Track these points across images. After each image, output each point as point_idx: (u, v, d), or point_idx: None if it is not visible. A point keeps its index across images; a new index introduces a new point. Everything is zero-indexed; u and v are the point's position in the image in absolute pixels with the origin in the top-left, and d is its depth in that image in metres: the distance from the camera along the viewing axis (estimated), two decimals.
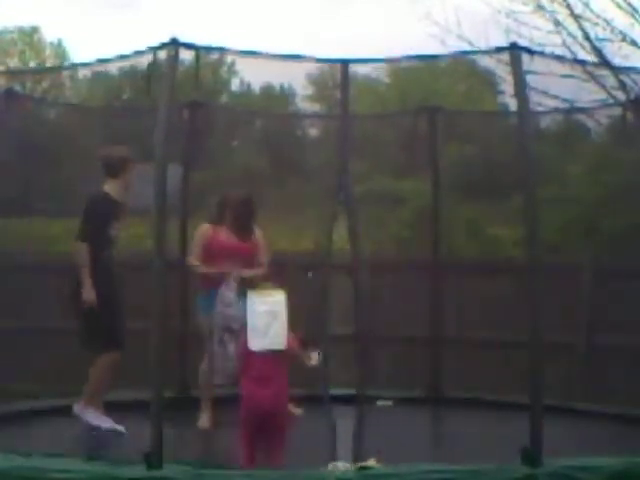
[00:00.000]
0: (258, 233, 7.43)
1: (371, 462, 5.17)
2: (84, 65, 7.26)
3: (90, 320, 6.65)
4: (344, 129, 7.20)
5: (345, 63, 7.00)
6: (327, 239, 7.62)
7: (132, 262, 7.56)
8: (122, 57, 6.05)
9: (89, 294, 6.62)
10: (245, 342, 5.40)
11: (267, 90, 32.25)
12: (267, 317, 5.32)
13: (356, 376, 7.50)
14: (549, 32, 13.38)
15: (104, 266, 6.73)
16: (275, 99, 31.89)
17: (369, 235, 8.95)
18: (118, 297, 6.85)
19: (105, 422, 6.72)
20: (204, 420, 7.22)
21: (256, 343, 5.29)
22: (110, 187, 6.85)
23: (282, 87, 32.28)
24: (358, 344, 7.50)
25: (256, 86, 31.51)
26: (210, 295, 7.09)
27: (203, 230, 7.41)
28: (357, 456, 5.49)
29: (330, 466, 5.13)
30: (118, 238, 6.94)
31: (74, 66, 19.75)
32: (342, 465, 5.13)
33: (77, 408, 6.80)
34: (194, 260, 7.31)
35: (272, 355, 5.32)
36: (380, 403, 7.94)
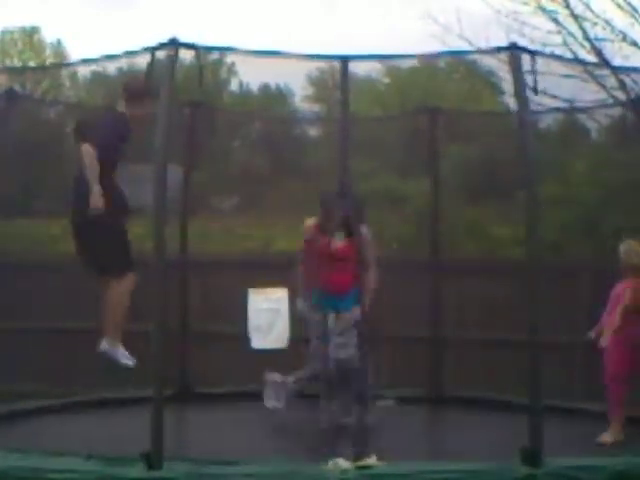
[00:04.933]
0: (365, 231, 7.09)
1: (371, 460, 5.17)
2: (84, 62, 7.19)
3: (105, 243, 6.35)
4: (344, 127, 7.18)
5: (344, 59, 6.98)
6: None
7: None
8: (122, 57, 6.04)
9: (97, 199, 6.21)
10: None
11: (266, 90, 32.27)
12: (269, 315, 5.31)
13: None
14: (549, 32, 13.39)
15: (113, 184, 6.43)
16: (275, 99, 31.89)
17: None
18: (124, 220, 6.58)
19: (129, 359, 6.48)
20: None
21: (258, 341, 5.29)
22: (127, 109, 6.51)
23: (282, 87, 32.29)
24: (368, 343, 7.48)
25: (256, 86, 31.53)
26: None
27: (306, 228, 7.26)
28: (357, 454, 5.49)
29: (330, 463, 5.13)
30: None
31: (74, 64, 19.74)
32: (342, 463, 5.13)
33: (105, 346, 6.50)
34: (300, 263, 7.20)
35: None
36: (381, 403, 7.93)
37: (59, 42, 38.44)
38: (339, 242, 6.88)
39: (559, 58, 7.96)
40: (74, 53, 36.46)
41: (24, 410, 7.41)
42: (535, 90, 5.70)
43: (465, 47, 12.81)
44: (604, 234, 11.42)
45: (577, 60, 11.58)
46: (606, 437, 6.62)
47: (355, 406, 6.42)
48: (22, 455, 5.32)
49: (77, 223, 6.49)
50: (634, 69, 11.65)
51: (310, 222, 7.24)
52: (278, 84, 32.50)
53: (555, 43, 13.24)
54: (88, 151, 6.22)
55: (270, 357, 6.50)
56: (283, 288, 5.53)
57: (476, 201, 14.16)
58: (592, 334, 7.09)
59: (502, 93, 14.70)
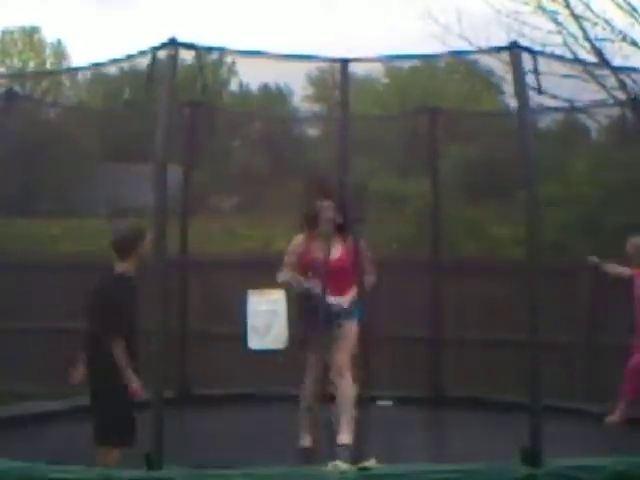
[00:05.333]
0: (362, 243, 6.63)
1: (371, 462, 5.16)
2: (84, 68, 7.19)
3: (109, 412, 5.82)
4: (344, 129, 7.18)
5: (345, 62, 6.99)
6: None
7: None
8: (122, 58, 6.04)
9: (138, 389, 5.73)
10: None
11: (266, 90, 32.29)
12: (267, 316, 5.30)
13: (359, 376, 7.50)
14: (550, 32, 13.40)
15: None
16: (275, 99, 31.91)
17: (371, 234, 8.94)
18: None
19: None
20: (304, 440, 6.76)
21: (256, 343, 5.29)
22: (123, 267, 6.11)
23: (282, 87, 32.32)
24: (362, 344, 7.48)
25: (256, 86, 31.55)
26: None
27: (296, 244, 6.79)
28: (357, 456, 5.49)
29: (330, 465, 5.12)
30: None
31: (75, 69, 19.80)
32: (342, 464, 5.13)
33: None
34: (285, 270, 6.65)
35: None
36: (380, 403, 7.94)
37: (59, 42, 38.49)
38: (335, 252, 6.53)
39: (559, 58, 7.95)
40: (74, 53, 36.56)
41: (24, 411, 7.41)
42: (539, 89, 5.70)
43: (465, 47, 12.82)
44: (604, 234, 11.43)
45: (577, 60, 11.57)
46: (612, 417, 6.68)
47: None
48: (22, 455, 5.31)
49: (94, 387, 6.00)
50: (634, 69, 11.64)
51: (298, 238, 6.83)
52: (278, 84, 32.55)
53: (555, 43, 13.27)
54: (118, 353, 5.78)
55: (269, 358, 6.51)
56: (281, 289, 5.50)
57: (476, 201, 14.16)
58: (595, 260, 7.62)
59: (502, 93, 14.72)
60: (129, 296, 5.90)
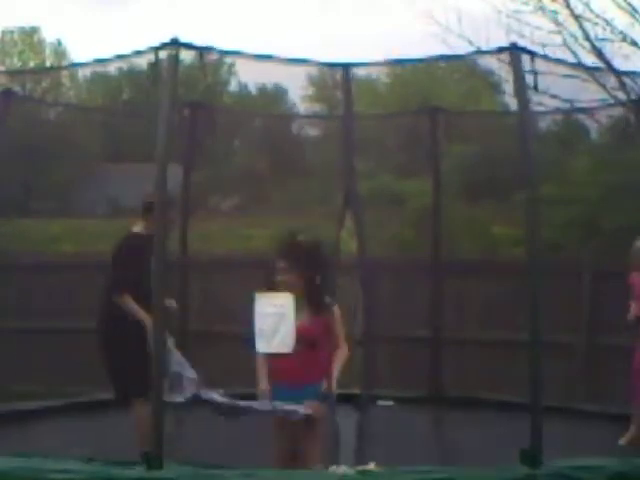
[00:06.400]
0: (336, 310, 5.54)
1: (371, 467, 5.15)
2: (84, 65, 7.17)
3: (133, 363, 6.07)
4: (347, 131, 7.16)
5: (346, 67, 6.97)
6: (335, 240, 7.51)
7: None
8: (122, 57, 6.04)
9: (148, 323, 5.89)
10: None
11: (266, 90, 32.29)
12: (274, 319, 5.27)
13: (359, 377, 7.49)
14: (550, 32, 13.40)
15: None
16: (275, 99, 31.93)
17: (371, 235, 8.94)
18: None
19: None
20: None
21: (263, 346, 5.26)
22: (139, 227, 6.55)
23: (282, 88, 32.31)
24: (363, 345, 7.47)
25: (255, 87, 31.55)
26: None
27: None
28: (358, 458, 5.48)
29: (330, 468, 5.12)
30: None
31: (74, 66, 19.76)
32: (342, 467, 5.12)
33: None
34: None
35: None
36: (381, 403, 7.93)
37: (59, 42, 38.53)
38: (305, 319, 5.42)
39: (560, 61, 7.95)
40: (74, 53, 36.58)
41: (24, 410, 7.41)
42: (536, 87, 5.69)
43: (465, 47, 12.83)
44: (604, 234, 11.45)
45: (579, 64, 11.58)
46: (625, 438, 6.66)
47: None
48: (22, 455, 5.31)
49: (105, 337, 6.45)
50: (634, 73, 11.63)
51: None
52: (278, 84, 32.54)
53: (555, 43, 13.27)
54: (129, 308, 6.30)
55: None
56: (287, 293, 5.44)
57: (476, 201, 14.18)
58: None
59: (502, 93, 14.71)
60: (137, 251, 6.06)
